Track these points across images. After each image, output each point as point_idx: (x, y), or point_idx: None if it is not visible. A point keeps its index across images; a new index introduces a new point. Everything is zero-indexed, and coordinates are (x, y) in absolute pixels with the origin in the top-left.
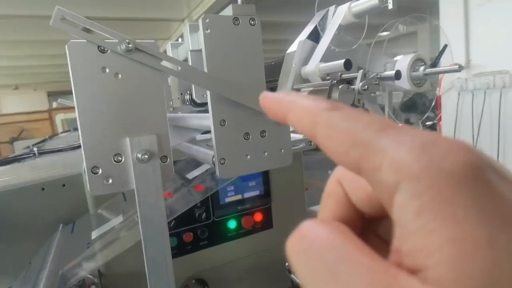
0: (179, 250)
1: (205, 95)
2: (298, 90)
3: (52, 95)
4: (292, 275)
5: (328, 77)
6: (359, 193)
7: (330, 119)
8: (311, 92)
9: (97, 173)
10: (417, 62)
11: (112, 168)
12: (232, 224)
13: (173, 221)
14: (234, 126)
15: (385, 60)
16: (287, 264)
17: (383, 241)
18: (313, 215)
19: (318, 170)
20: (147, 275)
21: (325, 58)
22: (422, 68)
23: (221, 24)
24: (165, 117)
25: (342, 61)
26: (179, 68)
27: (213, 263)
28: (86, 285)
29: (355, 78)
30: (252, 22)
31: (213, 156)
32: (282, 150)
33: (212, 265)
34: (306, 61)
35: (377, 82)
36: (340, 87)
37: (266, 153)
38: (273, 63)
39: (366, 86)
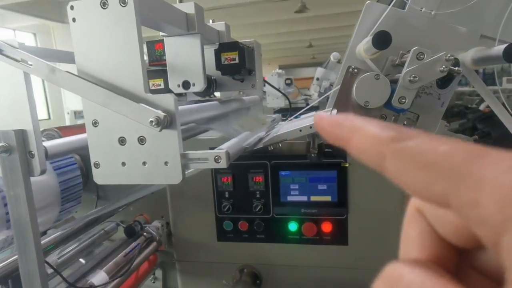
0: (234, 235)
1: (179, 86)
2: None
3: None
4: None
5: (396, 60)
6: (447, 225)
7: (402, 151)
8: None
9: None
10: None
11: None
12: (293, 226)
13: (229, 206)
14: (108, 128)
15: None
16: None
17: (481, 274)
18: None
19: None
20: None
21: (408, 30)
22: None
23: (88, 10)
24: (33, 115)
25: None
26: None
27: (269, 260)
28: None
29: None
30: (123, 4)
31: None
32: (168, 164)
33: (268, 262)
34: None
35: (443, 69)
36: (361, 76)
37: (146, 165)
38: None
39: (414, 76)
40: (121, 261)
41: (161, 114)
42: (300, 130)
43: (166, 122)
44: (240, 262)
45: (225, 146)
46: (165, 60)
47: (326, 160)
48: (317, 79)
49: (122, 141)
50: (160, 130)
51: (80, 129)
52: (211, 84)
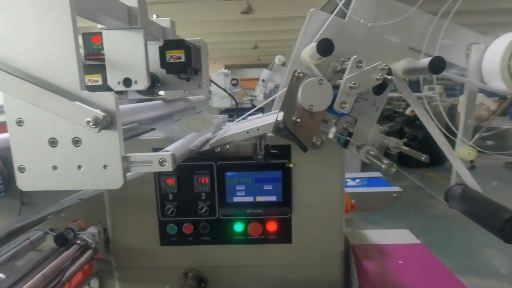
0: (179, 238)
1: (120, 83)
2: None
3: None
4: None
5: (338, 67)
6: None
7: None
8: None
9: None
10: None
11: None
12: (239, 227)
13: (173, 209)
14: (35, 128)
15: (470, 39)
16: None
17: None
18: (354, 239)
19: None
20: None
21: (348, 38)
22: None
23: None
24: None
25: (315, 43)
26: None
27: (215, 262)
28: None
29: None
30: None
31: None
32: (107, 168)
33: (214, 264)
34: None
35: (379, 77)
36: (306, 81)
37: (82, 168)
38: None
39: (354, 83)
40: (50, 273)
41: (99, 113)
42: (248, 132)
43: (106, 123)
44: (184, 266)
45: (171, 148)
46: (103, 54)
47: (272, 161)
48: (263, 80)
49: (53, 142)
50: (99, 131)
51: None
52: (154, 83)
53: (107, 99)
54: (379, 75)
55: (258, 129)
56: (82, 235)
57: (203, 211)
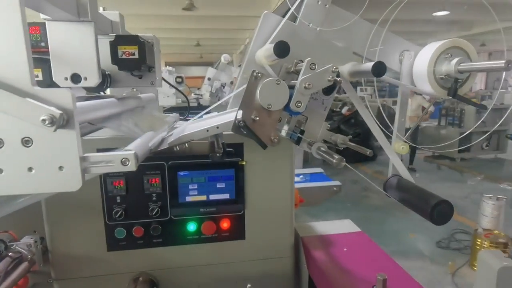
0: (128, 242)
1: (67, 79)
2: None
3: None
4: None
5: (291, 68)
6: None
7: None
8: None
9: None
10: (452, 52)
11: None
12: (192, 226)
13: (122, 212)
14: None
15: (403, 47)
16: (249, 285)
17: None
18: (302, 231)
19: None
20: None
21: (299, 41)
22: (454, 61)
23: None
24: None
25: (272, 44)
26: None
27: (167, 264)
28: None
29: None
30: None
31: None
32: (63, 169)
33: (166, 266)
34: (266, 41)
35: (330, 79)
36: (264, 81)
37: (33, 170)
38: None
39: (308, 83)
40: None
41: (56, 111)
42: (207, 130)
43: (62, 121)
44: (134, 271)
45: (131, 147)
46: (44, 47)
47: (227, 159)
48: (208, 79)
49: None
50: (55, 130)
51: None
52: (105, 79)
53: (63, 95)
54: (330, 77)
55: (218, 127)
56: (15, 247)
57: (154, 213)
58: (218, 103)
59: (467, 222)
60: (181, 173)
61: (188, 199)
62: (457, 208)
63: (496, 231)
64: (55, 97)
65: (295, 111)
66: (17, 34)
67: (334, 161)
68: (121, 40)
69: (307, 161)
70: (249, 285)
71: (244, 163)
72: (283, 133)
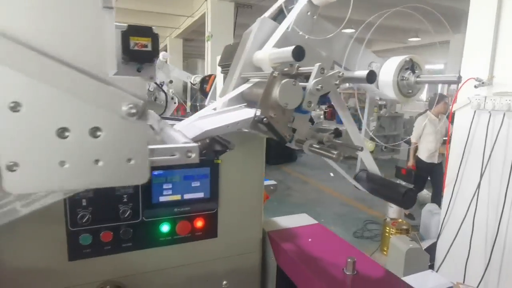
0: (94, 249)
1: None
2: (246, 79)
3: None
4: None
5: (285, 69)
6: None
7: None
8: (256, 85)
9: None
10: (408, 65)
11: None
12: (165, 227)
13: (88, 216)
14: (38, 115)
15: (371, 59)
16: (225, 282)
17: None
18: (268, 226)
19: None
20: None
21: (288, 45)
22: (413, 74)
23: None
24: None
25: (291, 48)
26: None
27: (138, 269)
28: None
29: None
30: None
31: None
32: (132, 161)
33: (136, 271)
34: (263, 45)
35: (337, 83)
36: (283, 81)
37: (100, 162)
38: (232, 44)
39: (320, 86)
40: None
41: (138, 101)
42: (228, 126)
43: (142, 111)
44: (100, 280)
45: (187, 139)
46: None
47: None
48: None
49: (62, 133)
50: (137, 119)
51: None
52: None
53: (139, 84)
54: (337, 81)
55: (238, 123)
56: None
57: (125, 215)
58: (218, 102)
59: (376, 214)
60: (155, 172)
61: (162, 199)
62: (367, 202)
63: (400, 220)
64: (132, 86)
65: (306, 110)
66: (98, 15)
67: (333, 156)
68: (134, 30)
69: None
70: (224, 282)
71: (219, 161)
72: None
